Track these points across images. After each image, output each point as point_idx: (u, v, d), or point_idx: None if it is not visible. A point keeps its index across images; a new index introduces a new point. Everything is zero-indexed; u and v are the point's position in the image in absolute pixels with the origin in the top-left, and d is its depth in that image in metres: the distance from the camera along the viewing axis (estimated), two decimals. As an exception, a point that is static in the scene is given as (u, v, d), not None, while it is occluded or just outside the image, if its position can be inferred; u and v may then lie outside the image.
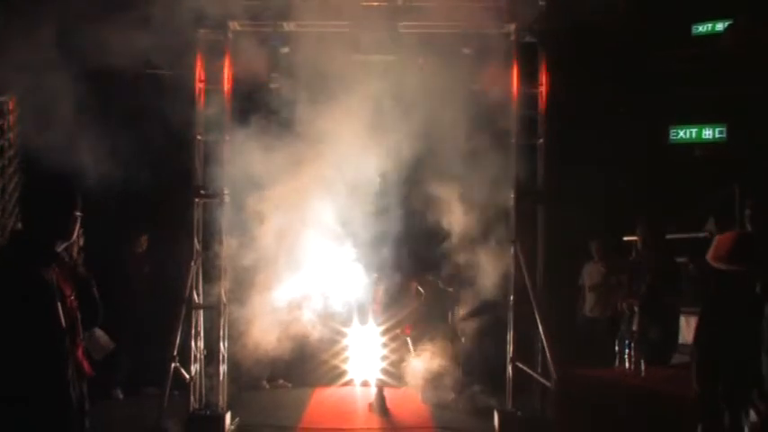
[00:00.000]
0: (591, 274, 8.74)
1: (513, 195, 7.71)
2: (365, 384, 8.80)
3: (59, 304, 3.21)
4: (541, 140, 7.71)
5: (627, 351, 5.53)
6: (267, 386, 9.87)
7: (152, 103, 7.09)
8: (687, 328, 5.98)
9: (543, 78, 7.63)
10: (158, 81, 7.30)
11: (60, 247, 3.41)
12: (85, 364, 3.54)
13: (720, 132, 9.05)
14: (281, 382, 9.94)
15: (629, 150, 8.12)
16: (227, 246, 7.65)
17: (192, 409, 7.57)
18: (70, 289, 3.43)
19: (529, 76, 7.63)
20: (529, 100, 7.78)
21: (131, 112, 7.39)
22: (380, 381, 8.62)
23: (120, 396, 8.82)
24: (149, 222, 8.96)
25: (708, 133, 9.11)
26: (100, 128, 7.10)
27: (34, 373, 3.10)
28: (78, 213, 3.44)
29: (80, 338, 3.47)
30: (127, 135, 7.43)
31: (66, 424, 3.19)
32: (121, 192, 7.70)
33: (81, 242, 8.08)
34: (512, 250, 7.74)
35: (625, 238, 7.73)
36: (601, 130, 7.78)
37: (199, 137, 7.65)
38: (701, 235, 5.44)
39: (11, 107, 6.90)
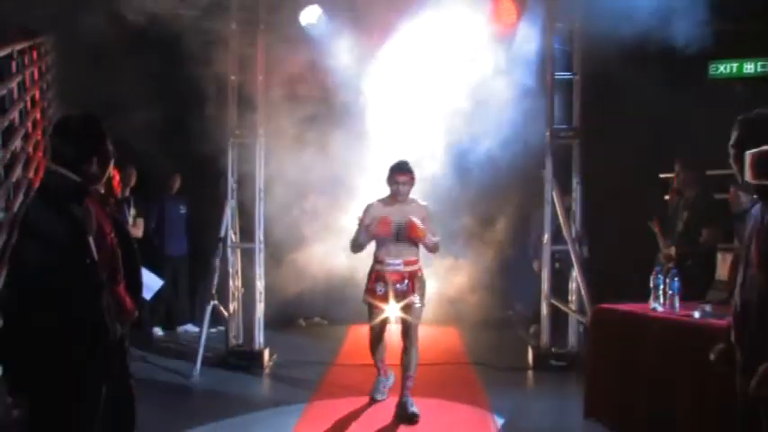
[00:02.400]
0: None
1: (547, 133, 7.68)
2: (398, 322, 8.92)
3: (92, 239, 3.26)
4: (577, 76, 7.62)
5: (661, 287, 5.50)
6: (304, 324, 10.05)
7: (186, 47, 7.12)
8: (723, 265, 5.93)
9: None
10: (193, 25, 7.29)
11: (93, 186, 3.46)
12: (128, 301, 3.62)
13: (763, 66, 8.83)
14: (317, 319, 10.11)
15: (668, 87, 7.96)
16: (263, 185, 7.73)
17: (230, 345, 7.75)
18: (110, 227, 3.50)
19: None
20: (565, 35, 7.71)
21: (167, 56, 7.38)
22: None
23: (160, 333, 9.01)
24: (184, 164, 9.04)
25: (749, 68, 8.89)
26: (134, 71, 7.17)
27: (67, 304, 3.16)
28: (110, 150, 3.48)
29: (120, 275, 3.53)
30: (162, 78, 7.51)
31: (100, 354, 3.26)
32: (158, 132, 7.76)
33: (131, 182, 8.18)
34: (546, 189, 7.74)
35: (662, 176, 7.64)
36: (637, 65, 7.65)
37: (233, 77, 7.68)
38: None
39: (46, 49, 6.95)
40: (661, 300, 5.51)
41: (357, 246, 6.18)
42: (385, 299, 6.05)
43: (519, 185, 9.19)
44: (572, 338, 7.66)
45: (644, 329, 5.38)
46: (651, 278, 5.64)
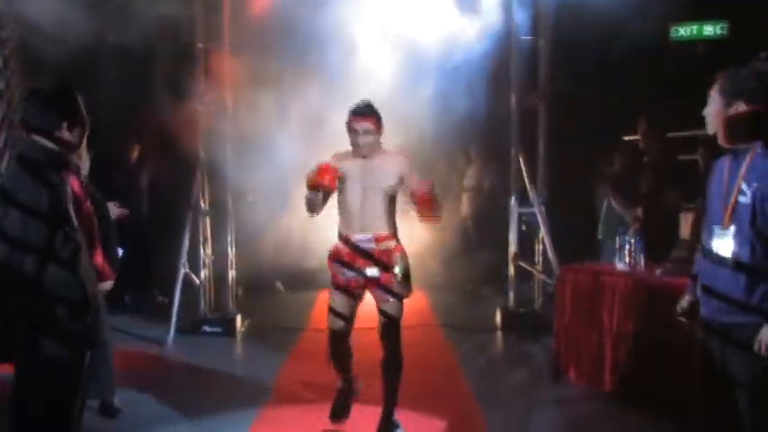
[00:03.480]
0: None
1: (513, 97, 7.79)
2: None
3: (72, 207, 3.30)
4: (542, 41, 7.70)
5: (627, 247, 5.68)
6: (282, 289, 10.07)
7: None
8: (686, 224, 6.11)
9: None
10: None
11: (70, 153, 3.48)
12: (106, 269, 3.69)
13: (722, 29, 9.01)
14: (278, 284, 10.13)
15: (630, 49, 8.10)
16: (230, 153, 7.76)
17: (202, 312, 7.81)
18: (85, 196, 3.54)
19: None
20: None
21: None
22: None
23: (129, 303, 9.00)
24: (139, 133, 8.95)
25: (709, 30, 9.07)
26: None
27: (49, 270, 3.20)
28: (85, 116, 3.50)
29: (97, 243, 3.58)
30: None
31: (85, 320, 3.31)
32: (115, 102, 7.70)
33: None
34: (512, 152, 7.87)
35: (626, 138, 7.80)
36: (599, 30, 7.77)
37: (200, 45, 7.65)
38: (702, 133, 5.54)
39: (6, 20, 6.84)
40: (626, 259, 5.69)
41: (309, 206, 4.79)
42: (350, 290, 4.74)
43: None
44: (538, 299, 7.83)
45: (610, 287, 5.58)
46: (617, 239, 5.82)
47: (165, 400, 5.57)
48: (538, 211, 7.60)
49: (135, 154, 8.89)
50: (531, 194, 7.67)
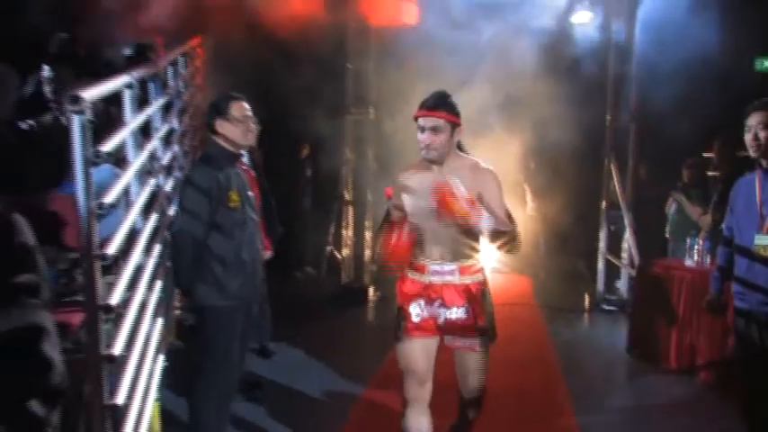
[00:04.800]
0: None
1: (608, 117, 8.21)
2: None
3: (239, 192, 3.78)
4: (633, 70, 8.07)
5: (696, 247, 6.04)
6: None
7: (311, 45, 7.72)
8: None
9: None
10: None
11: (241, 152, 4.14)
12: (267, 243, 4.39)
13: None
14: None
15: (716, 76, 8.31)
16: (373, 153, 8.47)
17: (342, 283, 8.60)
18: (254, 184, 4.20)
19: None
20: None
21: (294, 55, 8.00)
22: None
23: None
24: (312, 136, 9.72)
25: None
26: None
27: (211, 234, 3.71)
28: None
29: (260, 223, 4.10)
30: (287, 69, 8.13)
31: (245, 280, 3.83)
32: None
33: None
34: (605, 162, 8.28)
35: (705, 155, 8.05)
36: (687, 59, 8.02)
37: (349, 66, 8.42)
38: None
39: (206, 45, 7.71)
40: (695, 257, 6.07)
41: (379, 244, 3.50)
42: (425, 335, 3.44)
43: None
44: (623, 288, 8.22)
45: (679, 280, 5.96)
46: (687, 240, 6.20)
47: (304, 347, 6.23)
48: (625, 214, 8.00)
49: (305, 152, 9.79)
50: (621, 200, 8.07)
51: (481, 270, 3.54)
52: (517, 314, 7.79)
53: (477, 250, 3.50)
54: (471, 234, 3.37)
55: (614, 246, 8.43)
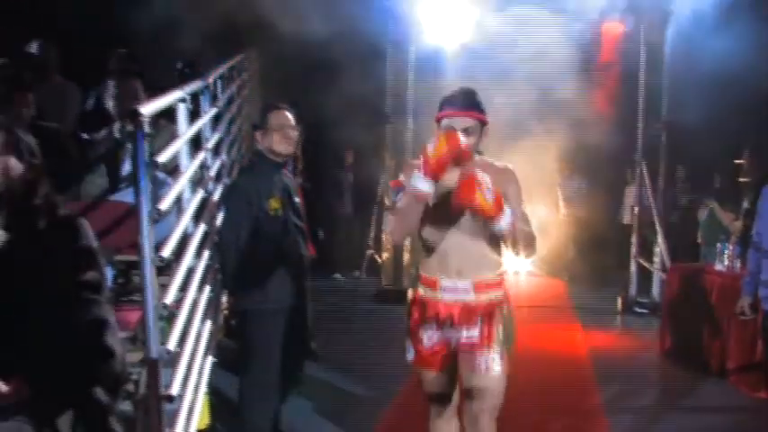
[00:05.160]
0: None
1: (640, 124, 8.18)
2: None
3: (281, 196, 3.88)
4: (665, 79, 8.05)
5: (726, 252, 6.00)
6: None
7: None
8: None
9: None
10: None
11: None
12: (309, 244, 4.48)
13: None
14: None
15: (745, 88, 8.23)
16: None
17: (382, 285, 8.71)
18: (299, 189, 4.30)
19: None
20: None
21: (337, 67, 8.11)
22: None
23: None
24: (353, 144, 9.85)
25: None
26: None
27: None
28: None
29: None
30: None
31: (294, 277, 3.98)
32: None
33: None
34: (638, 169, 8.26)
35: (736, 161, 7.98)
36: (718, 71, 7.96)
37: (389, 77, 8.57)
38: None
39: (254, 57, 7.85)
40: (725, 262, 6.03)
41: (392, 230, 3.34)
42: (438, 361, 3.06)
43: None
44: (654, 290, 8.17)
45: (709, 283, 5.94)
46: (718, 245, 6.16)
47: (344, 347, 6.24)
48: (657, 219, 7.97)
49: (349, 159, 9.92)
50: (653, 205, 8.04)
51: (500, 284, 3.06)
52: (551, 316, 7.80)
53: (497, 262, 3.06)
54: (492, 241, 2.98)
55: (646, 249, 8.38)
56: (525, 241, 2.94)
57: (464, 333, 2.98)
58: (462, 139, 2.74)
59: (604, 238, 10.10)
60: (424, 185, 2.75)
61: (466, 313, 2.98)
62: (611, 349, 6.78)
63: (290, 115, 3.87)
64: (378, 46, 8.38)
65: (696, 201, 7.35)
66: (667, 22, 7.95)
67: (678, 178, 8.65)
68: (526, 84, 8.07)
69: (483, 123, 2.99)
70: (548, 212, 9.67)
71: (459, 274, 2.98)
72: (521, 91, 8.01)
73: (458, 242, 2.98)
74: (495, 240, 2.98)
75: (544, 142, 8.58)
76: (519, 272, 9.66)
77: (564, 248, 10.01)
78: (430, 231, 3.02)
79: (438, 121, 3.00)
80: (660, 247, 7.95)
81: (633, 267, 8.44)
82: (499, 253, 3.06)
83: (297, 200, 3.99)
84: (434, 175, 2.73)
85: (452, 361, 3.08)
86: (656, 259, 8.15)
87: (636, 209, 8.42)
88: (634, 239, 8.46)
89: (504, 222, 2.78)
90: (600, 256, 9.97)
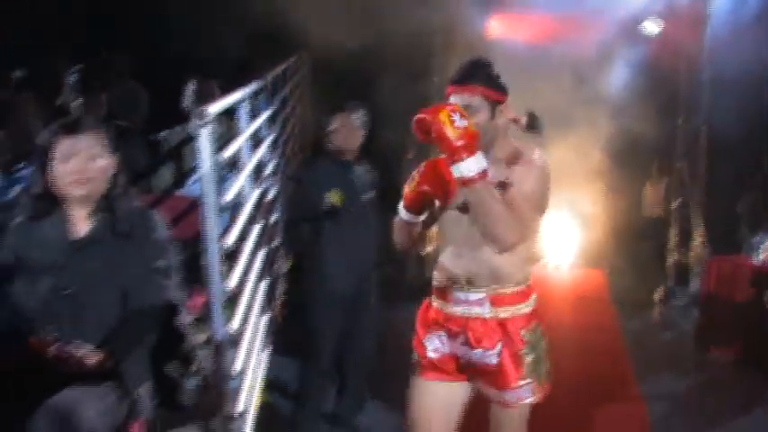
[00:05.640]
0: None
1: (680, 120, 8.10)
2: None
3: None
4: (706, 76, 7.92)
5: (762, 244, 5.91)
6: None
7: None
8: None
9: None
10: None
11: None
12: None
13: None
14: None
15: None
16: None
17: (426, 276, 8.70)
18: None
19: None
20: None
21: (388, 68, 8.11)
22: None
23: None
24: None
25: None
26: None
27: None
28: None
29: None
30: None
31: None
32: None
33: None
34: (677, 164, 8.18)
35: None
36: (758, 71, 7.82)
37: (435, 79, 8.57)
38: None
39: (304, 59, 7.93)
40: (762, 255, 5.93)
41: (397, 238, 2.58)
42: (445, 375, 2.56)
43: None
44: (693, 283, 8.06)
45: (746, 276, 5.86)
46: (756, 238, 6.07)
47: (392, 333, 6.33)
48: (696, 210, 7.88)
49: (410, 155, 9.94)
50: (692, 200, 7.94)
51: (525, 296, 2.48)
52: (589, 307, 7.73)
53: (521, 272, 2.47)
54: (514, 251, 2.36)
55: (684, 242, 8.26)
56: (496, 220, 2.22)
57: (479, 353, 2.44)
58: (458, 121, 2.15)
59: (645, 229, 9.95)
60: (404, 214, 2.45)
61: (481, 330, 2.45)
62: (649, 339, 6.68)
63: (355, 115, 3.99)
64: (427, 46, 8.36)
65: (737, 193, 7.23)
66: (705, 24, 7.83)
67: (719, 171, 8.47)
68: (567, 78, 8.04)
69: (494, 101, 2.41)
70: (590, 203, 9.54)
71: (470, 283, 2.47)
72: (559, 85, 7.97)
73: (470, 246, 2.43)
74: (519, 246, 2.34)
75: (584, 133, 8.49)
76: (560, 265, 9.56)
77: (605, 239, 9.88)
78: (441, 237, 2.64)
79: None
80: (699, 239, 7.85)
81: (672, 259, 8.34)
82: (524, 261, 2.50)
83: (367, 195, 4.09)
84: (409, 208, 2.40)
85: (462, 384, 2.56)
86: (695, 252, 8.06)
87: (675, 202, 8.33)
88: (673, 231, 8.36)
89: (469, 166, 2.16)
90: (640, 248, 9.84)
